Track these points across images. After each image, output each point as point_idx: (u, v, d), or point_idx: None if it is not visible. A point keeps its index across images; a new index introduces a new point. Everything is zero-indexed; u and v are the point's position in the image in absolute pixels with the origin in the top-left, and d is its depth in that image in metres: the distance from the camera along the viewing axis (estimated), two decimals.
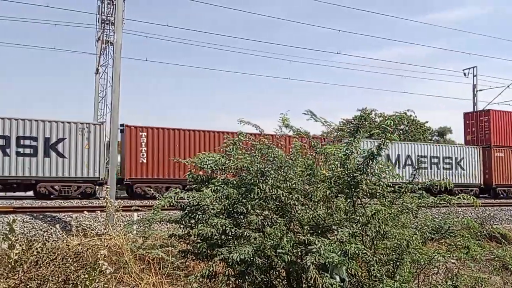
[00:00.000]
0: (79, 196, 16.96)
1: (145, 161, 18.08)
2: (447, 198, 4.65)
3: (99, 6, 26.28)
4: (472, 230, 5.01)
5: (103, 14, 26.13)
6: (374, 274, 4.14)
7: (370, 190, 4.75)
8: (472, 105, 33.87)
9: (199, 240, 5.23)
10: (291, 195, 4.76)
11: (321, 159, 5.38)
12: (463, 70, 34.34)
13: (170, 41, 57.46)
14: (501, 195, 24.48)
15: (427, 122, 42.61)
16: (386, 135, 4.47)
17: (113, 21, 19.27)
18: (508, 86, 32.92)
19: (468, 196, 4.65)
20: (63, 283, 4.75)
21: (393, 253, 4.52)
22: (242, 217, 5.06)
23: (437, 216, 6.10)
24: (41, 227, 10.79)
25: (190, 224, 5.40)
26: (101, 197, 15.78)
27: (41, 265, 4.86)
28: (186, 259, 6.00)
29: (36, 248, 5.16)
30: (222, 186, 5.02)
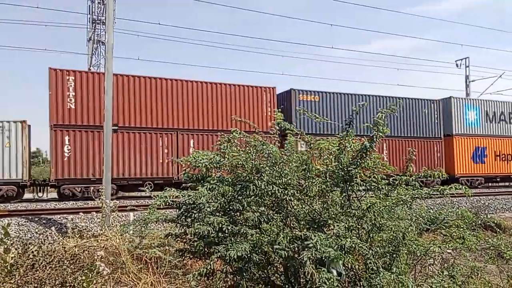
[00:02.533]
0: None
1: None
2: (440, 189, 4.69)
3: (89, 6, 26.18)
4: (466, 220, 5.05)
5: (93, 14, 26.06)
6: (371, 267, 4.16)
7: (364, 183, 4.78)
8: (465, 96, 34.13)
9: (196, 239, 5.23)
10: (286, 191, 4.77)
11: (315, 154, 5.40)
12: (456, 61, 34.67)
13: (162, 40, 57.41)
14: None
15: None
16: (379, 129, 4.49)
17: (104, 21, 19.19)
18: (500, 76, 33.22)
19: (460, 186, 4.69)
20: (60, 285, 4.72)
21: (389, 245, 4.55)
22: (238, 214, 5.07)
23: (432, 207, 6.14)
24: (36, 230, 10.75)
25: (186, 223, 5.41)
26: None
27: (38, 268, 4.83)
28: (183, 257, 6.00)
29: (32, 251, 5.13)
30: (218, 184, 5.02)
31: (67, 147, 16.46)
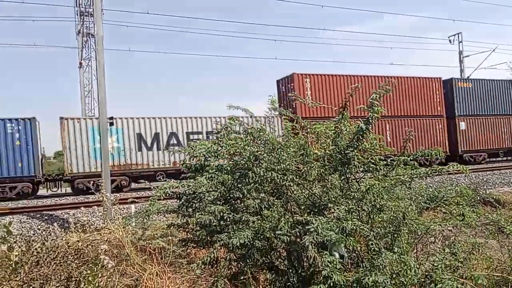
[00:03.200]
0: None
1: None
2: (438, 168, 4.71)
3: None
4: (466, 197, 5.08)
5: (81, 6, 25.66)
6: (373, 248, 4.19)
7: (363, 166, 4.78)
8: (459, 71, 34.10)
9: (198, 228, 5.26)
10: (285, 177, 4.78)
11: (312, 138, 5.40)
12: (449, 37, 34.55)
13: (152, 29, 56.95)
14: None
15: None
16: (374, 109, 4.48)
17: (92, 13, 18.97)
18: (493, 50, 33.11)
19: (458, 164, 4.71)
20: (65, 280, 4.76)
21: (390, 226, 4.57)
22: (239, 202, 5.09)
23: (431, 185, 6.18)
24: (39, 227, 10.80)
25: (188, 213, 5.43)
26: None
27: (42, 264, 4.86)
28: (187, 247, 6.04)
29: (36, 248, 5.16)
30: (217, 173, 5.03)
31: None
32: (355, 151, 4.60)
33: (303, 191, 4.94)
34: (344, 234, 4.03)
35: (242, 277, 5.22)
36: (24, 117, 17.76)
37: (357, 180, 4.87)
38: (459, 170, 4.73)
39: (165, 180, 5.40)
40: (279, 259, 5.29)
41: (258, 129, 5.18)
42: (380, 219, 4.60)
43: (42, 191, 19.42)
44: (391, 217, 4.53)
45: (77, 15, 26.16)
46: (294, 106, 20.24)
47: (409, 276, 3.93)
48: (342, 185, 4.83)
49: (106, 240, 7.40)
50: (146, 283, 5.90)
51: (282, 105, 22.26)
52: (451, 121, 25.46)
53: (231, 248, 4.67)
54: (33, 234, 10.18)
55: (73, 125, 18.05)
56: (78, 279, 4.80)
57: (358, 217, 4.51)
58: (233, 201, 5.08)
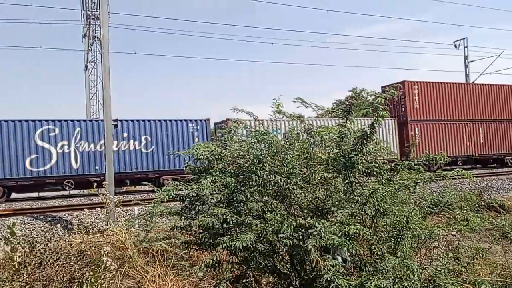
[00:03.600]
0: None
1: None
2: (442, 174, 4.69)
3: (83, 1, 25.93)
4: (470, 202, 5.06)
5: (87, 9, 25.81)
6: (376, 252, 4.18)
7: (366, 170, 4.77)
8: (465, 77, 33.97)
9: (201, 231, 5.26)
10: (289, 180, 4.77)
11: (316, 141, 5.39)
12: (454, 42, 34.47)
13: (158, 32, 57.30)
14: None
15: None
16: (379, 113, 4.47)
17: (99, 16, 19.07)
18: (499, 56, 32.96)
19: (462, 170, 4.69)
20: (68, 282, 4.77)
21: (393, 230, 4.55)
22: (242, 204, 5.07)
23: (435, 190, 6.16)
24: (42, 228, 10.83)
25: (190, 215, 5.43)
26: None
27: (45, 266, 4.88)
28: (189, 249, 6.03)
29: (39, 249, 5.18)
30: (220, 175, 5.02)
31: (418, 135, 23.35)
32: (359, 155, 4.59)
33: (307, 194, 4.93)
34: (347, 238, 4.02)
35: (244, 280, 5.21)
36: (201, 118, 19.99)
37: (361, 184, 4.85)
38: (463, 175, 4.72)
39: None
40: (282, 263, 5.27)
41: (262, 132, 5.18)
42: (383, 223, 4.59)
43: (44, 194, 19.44)
44: (395, 222, 4.51)
45: (84, 18, 26.32)
46: (403, 110, 23.61)
47: (412, 281, 3.91)
48: (345, 189, 4.81)
49: (109, 242, 7.41)
50: (148, 285, 5.90)
51: (388, 109, 23.94)
52: None
53: (233, 251, 4.66)
54: (37, 235, 10.21)
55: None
56: (80, 280, 4.81)
57: (361, 221, 4.49)
58: (236, 204, 5.06)
